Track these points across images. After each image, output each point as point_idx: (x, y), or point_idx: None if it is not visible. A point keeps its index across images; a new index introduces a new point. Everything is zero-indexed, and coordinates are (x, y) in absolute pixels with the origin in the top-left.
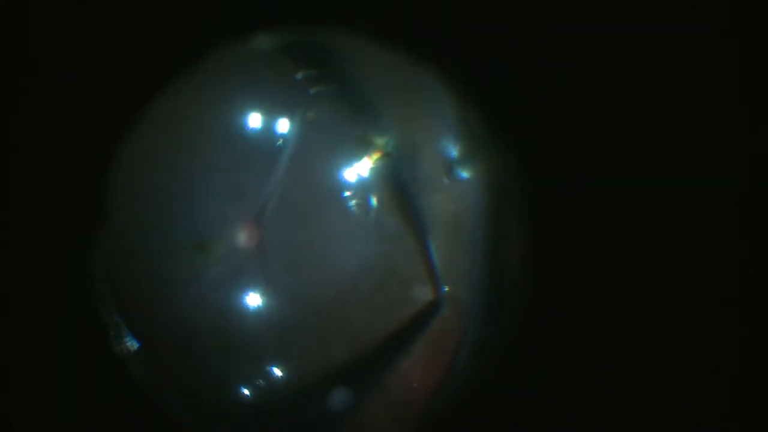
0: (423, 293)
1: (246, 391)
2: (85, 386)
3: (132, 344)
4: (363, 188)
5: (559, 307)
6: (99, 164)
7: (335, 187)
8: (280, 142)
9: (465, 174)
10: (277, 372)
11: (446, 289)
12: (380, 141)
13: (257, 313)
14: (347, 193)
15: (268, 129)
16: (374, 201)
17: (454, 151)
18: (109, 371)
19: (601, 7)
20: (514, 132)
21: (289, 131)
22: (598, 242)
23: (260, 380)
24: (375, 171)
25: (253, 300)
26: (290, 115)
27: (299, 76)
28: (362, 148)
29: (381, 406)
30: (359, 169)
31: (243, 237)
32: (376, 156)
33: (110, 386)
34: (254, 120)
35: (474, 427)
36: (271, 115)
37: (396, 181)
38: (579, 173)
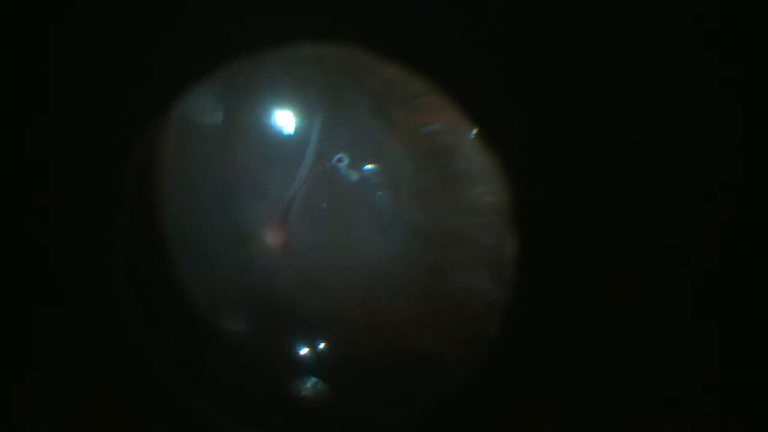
0: (460, 282)
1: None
2: (117, 388)
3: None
4: (390, 185)
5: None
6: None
7: (361, 185)
8: (303, 144)
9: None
10: (308, 366)
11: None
12: None
13: (285, 310)
14: (374, 190)
15: (291, 132)
16: (402, 197)
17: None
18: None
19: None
20: (507, 140)
21: (311, 133)
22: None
23: (293, 376)
24: (400, 168)
25: (282, 298)
26: (311, 118)
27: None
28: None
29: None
30: (384, 167)
31: (270, 237)
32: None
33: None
34: (278, 123)
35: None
36: (293, 119)
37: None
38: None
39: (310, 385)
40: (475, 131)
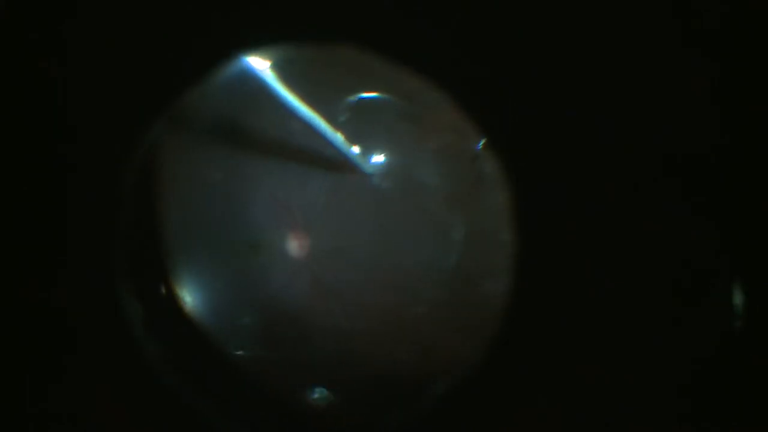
0: (490, 286)
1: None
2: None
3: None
4: (418, 188)
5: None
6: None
7: (388, 189)
8: (324, 148)
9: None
10: (337, 377)
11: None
12: None
13: (311, 320)
14: (400, 194)
15: (311, 135)
16: (430, 200)
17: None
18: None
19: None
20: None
21: (330, 137)
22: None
23: (319, 386)
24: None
25: (307, 306)
26: (329, 122)
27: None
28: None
29: None
30: (410, 169)
31: (293, 244)
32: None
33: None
34: (297, 126)
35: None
36: (311, 122)
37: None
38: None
39: (320, 391)
40: (483, 141)
